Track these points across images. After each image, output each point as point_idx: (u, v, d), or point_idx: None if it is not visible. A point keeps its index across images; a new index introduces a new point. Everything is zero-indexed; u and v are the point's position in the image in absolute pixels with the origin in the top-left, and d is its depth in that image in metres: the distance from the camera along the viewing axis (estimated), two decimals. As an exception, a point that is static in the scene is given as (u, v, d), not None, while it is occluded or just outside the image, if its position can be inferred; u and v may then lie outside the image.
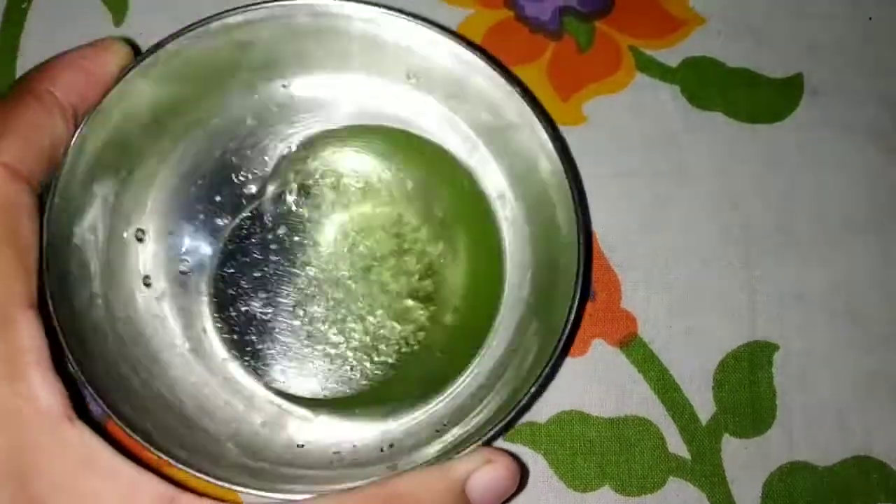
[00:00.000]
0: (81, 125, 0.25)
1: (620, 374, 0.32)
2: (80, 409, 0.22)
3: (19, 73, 0.35)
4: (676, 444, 0.32)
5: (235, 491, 0.24)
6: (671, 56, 0.36)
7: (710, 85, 0.35)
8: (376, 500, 0.23)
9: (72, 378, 0.29)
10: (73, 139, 0.25)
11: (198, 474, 0.24)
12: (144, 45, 0.35)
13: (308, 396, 0.29)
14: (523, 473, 0.28)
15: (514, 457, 0.25)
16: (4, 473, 0.21)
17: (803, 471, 0.32)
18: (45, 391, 0.21)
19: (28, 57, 0.35)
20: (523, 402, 0.25)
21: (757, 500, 0.32)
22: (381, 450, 0.28)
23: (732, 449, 0.32)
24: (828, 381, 0.33)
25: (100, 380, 0.24)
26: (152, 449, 0.24)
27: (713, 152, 0.35)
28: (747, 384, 0.33)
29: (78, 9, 0.35)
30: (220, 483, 0.24)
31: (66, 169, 0.25)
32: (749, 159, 0.35)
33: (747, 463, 0.32)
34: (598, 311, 0.33)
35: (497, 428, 0.25)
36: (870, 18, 0.37)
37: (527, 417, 0.32)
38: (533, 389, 0.25)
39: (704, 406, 0.32)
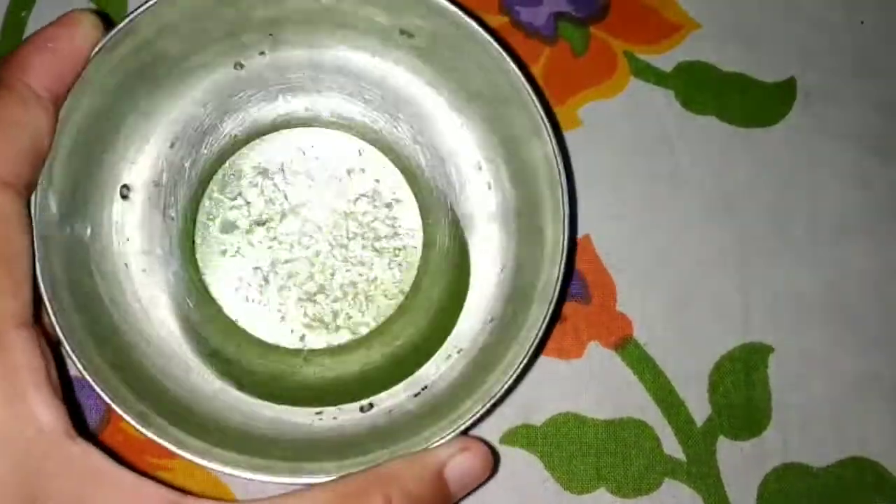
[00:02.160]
0: (64, 104, 0.24)
1: (616, 376, 0.33)
2: (79, 425, 0.23)
3: (19, 80, 0.35)
4: (672, 446, 0.32)
5: (229, 474, 0.25)
6: (665, 61, 0.36)
7: (704, 89, 0.36)
8: (361, 484, 0.24)
9: (71, 393, 0.29)
10: (59, 119, 0.24)
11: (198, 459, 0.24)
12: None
13: (294, 349, 0.30)
14: (495, 461, 0.29)
15: (488, 445, 0.26)
16: (13, 496, 0.21)
17: (798, 472, 0.32)
18: (46, 411, 0.21)
19: (28, 64, 0.35)
20: (497, 395, 0.26)
21: (752, 501, 0.32)
22: (362, 409, 0.28)
23: (728, 450, 0.32)
24: (822, 382, 0.33)
25: (99, 366, 0.25)
26: (143, 428, 0.24)
27: (707, 156, 0.35)
28: (742, 386, 0.33)
29: (77, 16, 0.36)
30: (211, 465, 0.24)
31: (55, 151, 0.24)
32: (743, 163, 0.35)
33: (743, 464, 0.32)
34: (594, 314, 0.33)
35: (476, 416, 0.26)
36: (862, 22, 0.37)
37: (523, 420, 0.32)
38: (509, 383, 0.26)
39: (700, 408, 0.33)
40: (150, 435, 0.24)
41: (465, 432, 0.26)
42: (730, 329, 0.33)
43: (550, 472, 0.32)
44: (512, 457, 0.32)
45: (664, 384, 0.33)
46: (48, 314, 0.24)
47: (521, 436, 0.32)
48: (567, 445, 0.32)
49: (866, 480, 0.32)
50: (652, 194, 0.34)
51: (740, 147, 0.35)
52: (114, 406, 0.24)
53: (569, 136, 0.35)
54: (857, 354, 0.33)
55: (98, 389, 0.24)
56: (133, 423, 0.24)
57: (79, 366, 0.24)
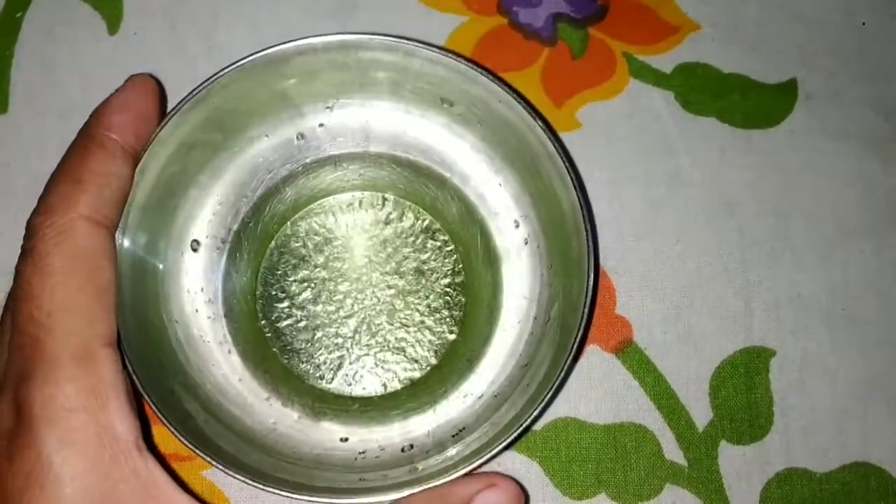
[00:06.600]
0: (142, 159, 0.27)
1: (616, 380, 0.32)
2: (148, 441, 0.24)
3: (14, 82, 0.35)
4: (673, 451, 0.32)
5: (275, 493, 0.25)
6: (665, 62, 0.36)
7: (703, 91, 0.35)
8: None
9: (144, 411, 0.30)
10: (136, 173, 0.27)
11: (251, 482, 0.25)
12: (139, 51, 0.35)
13: (343, 395, 0.31)
14: (526, 499, 0.28)
15: (517, 483, 0.25)
16: (86, 491, 0.23)
17: (801, 477, 0.32)
18: (121, 423, 0.24)
19: (23, 66, 0.35)
20: (526, 423, 0.26)
21: (754, 507, 0.31)
22: (403, 450, 0.29)
23: (729, 456, 0.32)
24: (825, 386, 0.33)
25: (155, 388, 0.26)
26: (192, 446, 0.25)
27: (707, 158, 0.35)
28: (744, 390, 0.32)
29: (72, 18, 0.35)
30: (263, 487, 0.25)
31: (130, 201, 0.27)
32: (744, 165, 0.35)
33: (744, 470, 0.32)
34: (593, 318, 0.33)
35: (500, 446, 0.25)
36: (863, 24, 0.37)
37: (522, 424, 0.32)
38: (536, 412, 0.26)
39: (701, 412, 0.32)
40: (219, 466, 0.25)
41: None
42: (731, 333, 0.33)
43: (549, 477, 0.31)
44: (510, 462, 0.31)
45: (665, 388, 0.32)
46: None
47: (520, 441, 0.32)
48: (566, 450, 0.32)
49: (870, 486, 0.32)
50: (652, 196, 0.34)
51: (741, 149, 0.35)
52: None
53: (567, 138, 0.34)
54: (860, 358, 0.33)
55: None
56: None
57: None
